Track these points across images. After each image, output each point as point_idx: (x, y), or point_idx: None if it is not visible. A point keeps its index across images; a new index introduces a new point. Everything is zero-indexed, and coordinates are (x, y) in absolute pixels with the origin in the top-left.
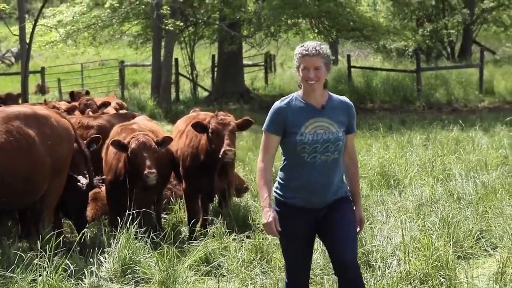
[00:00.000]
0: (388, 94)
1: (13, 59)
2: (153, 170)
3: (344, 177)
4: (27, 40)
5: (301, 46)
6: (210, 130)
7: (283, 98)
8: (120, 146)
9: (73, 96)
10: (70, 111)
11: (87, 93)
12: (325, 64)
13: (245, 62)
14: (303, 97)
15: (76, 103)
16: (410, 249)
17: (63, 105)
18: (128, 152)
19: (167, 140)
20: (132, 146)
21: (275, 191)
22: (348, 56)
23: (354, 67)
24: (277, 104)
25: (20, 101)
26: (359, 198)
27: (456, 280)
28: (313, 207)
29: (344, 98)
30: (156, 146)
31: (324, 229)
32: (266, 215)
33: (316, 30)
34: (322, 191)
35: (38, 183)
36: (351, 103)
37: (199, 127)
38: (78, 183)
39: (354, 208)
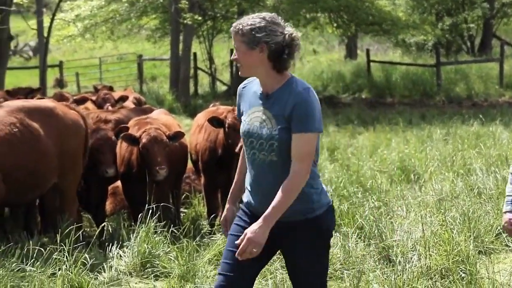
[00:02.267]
0: (408, 89)
1: (31, 53)
2: (163, 166)
3: (311, 192)
4: (45, 34)
5: None
6: (226, 125)
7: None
8: (131, 140)
9: (97, 90)
10: (79, 102)
11: (110, 88)
12: (246, 43)
13: None
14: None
15: (87, 95)
16: (430, 244)
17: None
18: (140, 147)
19: (179, 134)
20: (143, 141)
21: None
22: (367, 51)
23: (373, 61)
24: (239, 85)
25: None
26: (268, 215)
27: (477, 275)
28: (258, 215)
29: (300, 89)
30: (167, 141)
31: (285, 260)
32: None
33: (335, 24)
34: (267, 202)
35: (44, 176)
36: (306, 97)
37: (215, 121)
38: (104, 172)
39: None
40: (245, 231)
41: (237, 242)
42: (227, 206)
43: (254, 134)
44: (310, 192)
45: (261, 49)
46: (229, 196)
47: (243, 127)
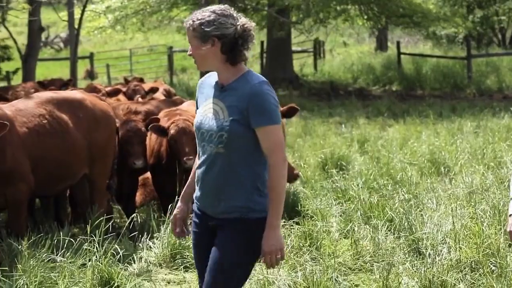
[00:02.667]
0: (438, 81)
1: (62, 45)
2: (191, 157)
3: (254, 192)
4: (76, 26)
5: None
6: None
7: None
8: (160, 131)
9: (127, 82)
10: (112, 94)
11: (141, 80)
12: (197, 38)
13: (294, 48)
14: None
15: (119, 86)
16: (460, 237)
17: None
18: (168, 137)
19: None
20: (171, 132)
21: None
22: (398, 43)
23: (404, 53)
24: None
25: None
26: (271, 219)
27: (508, 268)
28: (206, 212)
29: (255, 82)
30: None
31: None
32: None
33: (366, 17)
34: (209, 194)
35: (73, 167)
36: (261, 89)
37: None
38: (132, 164)
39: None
40: (262, 247)
41: (262, 262)
42: (178, 204)
43: (206, 126)
44: (252, 192)
45: (212, 42)
46: (181, 194)
47: (196, 120)
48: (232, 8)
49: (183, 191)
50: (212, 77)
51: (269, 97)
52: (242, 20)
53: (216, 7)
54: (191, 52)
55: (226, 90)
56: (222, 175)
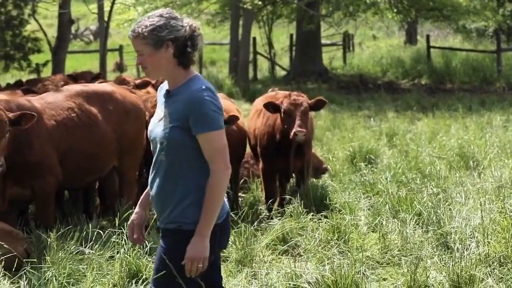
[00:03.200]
0: (468, 75)
1: (91, 37)
2: None
3: (191, 203)
4: (106, 18)
5: None
6: (282, 110)
7: None
8: None
9: None
10: (141, 86)
11: None
12: (150, 45)
13: (323, 41)
14: None
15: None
16: (489, 231)
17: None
18: None
19: (233, 118)
20: None
21: None
22: (427, 36)
23: (433, 47)
24: None
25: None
26: (200, 227)
27: None
28: (159, 218)
29: (196, 88)
30: None
31: None
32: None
33: (395, 10)
34: (154, 201)
35: (102, 160)
36: (200, 96)
37: (271, 107)
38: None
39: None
40: (186, 252)
41: (182, 263)
42: (136, 209)
43: (153, 133)
44: (191, 204)
45: (166, 47)
46: (140, 200)
47: (149, 127)
48: (174, 10)
49: (141, 196)
50: (165, 83)
51: (208, 103)
52: (187, 21)
53: (161, 11)
54: (140, 61)
55: (171, 96)
56: (165, 184)
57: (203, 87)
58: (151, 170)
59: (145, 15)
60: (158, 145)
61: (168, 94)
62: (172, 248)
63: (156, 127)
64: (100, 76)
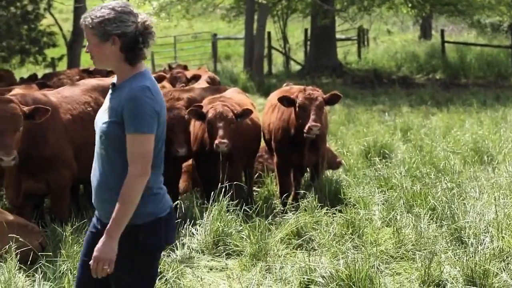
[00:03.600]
0: (482, 70)
1: None
2: (225, 140)
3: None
4: None
5: None
6: (297, 104)
7: None
8: (198, 115)
9: (171, 69)
10: (156, 80)
11: (185, 67)
12: (97, 36)
13: (338, 36)
14: None
15: (163, 73)
16: (503, 226)
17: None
18: (205, 121)
19: (246, 112)
20: (208, 116)
21: None
22: (442, 31)
23: (448, 42)
24: None
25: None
26: (109, 228)
27: None
28: (98, 214)
29: (136, 86)
30: (233, 117)
31: None
32: None
33: (410, 5)
34: (95, 195)
35: None
36: (138, 95)
37: (285, 101)
38: (175, 152)
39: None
40: (94, 251)
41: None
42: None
43: (96, 124)
44: None
45: (112, 41)
46: None
47: (96, 117)
48: (132, 5)
49: None
50: None
51: (145, 103)
52: (143, 17)
53: (115, 4)
54: (88, 49)
55: (116, 90)
56: (102, 178)
57: (145, 85)
58: (93, 163)
59: (100, 5)
60: (98, 138)
61: (113, 87)
62: (120, 246)
63: (99, 119)
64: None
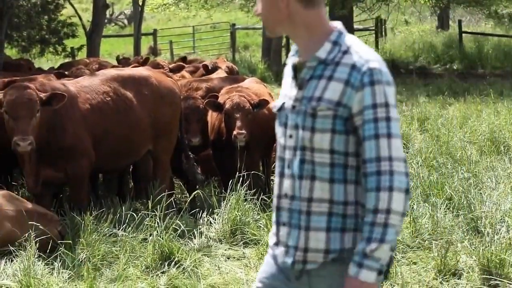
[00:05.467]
0: (500, 60)
1: (126, 21)
2: (243, 131)
3: None
4: (140, 3)
5: None
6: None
7: None
8: (215, 106)
9: (184, 60)
10: (175, 70)
11: (184, 59)
12: None
13: (355, 26)
14: None
15: (182, 63)
16: None
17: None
18: (223, 112)
19: (263, 102)
20: (226, 106)
21: None
22: (460, 22)
23: (466, 32)
24: None
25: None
26: None
27: None
28: None
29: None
30: (250, 108)
31: None
32: None
33: None
34: None
35: (137, 144)
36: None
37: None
38: (189, 142)
39: None
40: None
41: None
42: None
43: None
44: None
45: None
46: None
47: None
48: None
49: None
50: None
51: None
52: None
53: None
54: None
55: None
56: None
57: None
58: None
59: None
60: None
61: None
62: None
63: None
64: (147, 60)
